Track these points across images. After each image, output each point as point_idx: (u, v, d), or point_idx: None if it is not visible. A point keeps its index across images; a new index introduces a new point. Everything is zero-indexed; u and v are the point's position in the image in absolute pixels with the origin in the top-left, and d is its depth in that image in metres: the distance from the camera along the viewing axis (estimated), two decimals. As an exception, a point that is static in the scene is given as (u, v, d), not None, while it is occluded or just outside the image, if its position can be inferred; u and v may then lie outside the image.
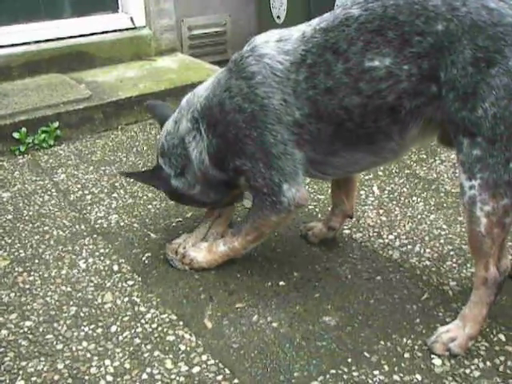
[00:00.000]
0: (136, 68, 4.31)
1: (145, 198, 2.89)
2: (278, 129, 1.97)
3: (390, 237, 2.60)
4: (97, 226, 2.64)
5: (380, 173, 3.18)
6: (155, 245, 2.50)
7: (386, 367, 1.86)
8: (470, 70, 1.70)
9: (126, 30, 4.46)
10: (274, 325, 2.04)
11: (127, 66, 4.34)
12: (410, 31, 1.76)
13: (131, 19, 4.47)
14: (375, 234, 2.62)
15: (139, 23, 4.50)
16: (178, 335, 1.99)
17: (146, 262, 2.39)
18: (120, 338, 1.97)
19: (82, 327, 2.02)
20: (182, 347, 1.94)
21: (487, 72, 1.67)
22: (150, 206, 2.81)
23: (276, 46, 1.98)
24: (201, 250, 2.29)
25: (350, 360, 1.89)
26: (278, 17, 4.61)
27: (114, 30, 4.39)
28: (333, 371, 1.84)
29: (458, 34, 1.70)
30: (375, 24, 1.81)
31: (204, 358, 1.89)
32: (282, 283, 2.27)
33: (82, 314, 2.08)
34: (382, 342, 1.97)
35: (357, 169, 2.23)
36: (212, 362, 1.88)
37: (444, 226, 2.67)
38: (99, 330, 2.01)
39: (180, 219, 2.69)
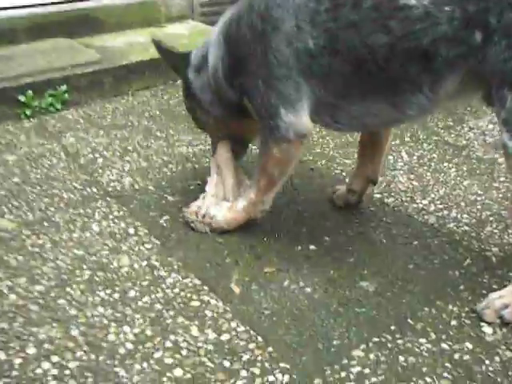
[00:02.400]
0: (146, 34, 4.09)
1: (160, 161, 2.71)
2: (285, 51, 1.84)
3: (424, 202, 2.43)
4: (109, 188, 2.46)
5: (407, 139, 3.00)
6: (173, 207, 2.32)
7: (433, 335, 1.70)
8: None
9: (135, -6, 4.25)
10: (308, 290, 1.88)
11: (137, 32, 4.13)
12: None
13: (140, -17, 4.26)
14: (408, 198, 2.46)
15: (149, -12, 4.29)
16: (204, 301, 1.82)
17: (164, 225, 2.21)
18: (139, 303, 1.80)
19: (97, 292, 1.84)
20: (209, 313, 1.77)
21: None
22: (165, 169, 2.63)
23: None
24: (222, 209, 2.14)
25: (392, 327, 1.73)
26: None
27: (124, -5, 4.19)
28: (375, 339, 1.68)
29: None
30: None
31: (233, 324, 1.72)
32: (312, 247, 2.10)
33: (96, 279, 1.91)
34: (426, 309, 1.80)
35: (375, 123, 2.01)
36: (242, 328, 1.71)
37: (479, 192, 2.50)
38: (116, 295, 1.83)
39: (199, 182, 2.50)
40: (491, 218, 2.31)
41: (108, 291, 1.85)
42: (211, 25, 4.47)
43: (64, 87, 3.26)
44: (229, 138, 2.23)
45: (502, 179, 2.60)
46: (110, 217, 2.25)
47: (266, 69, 1.89)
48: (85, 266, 1.96)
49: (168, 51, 2.31)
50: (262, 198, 2.08)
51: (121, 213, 2.28)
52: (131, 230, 2.17)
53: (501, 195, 2.46)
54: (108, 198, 2.39)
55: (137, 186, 2.48)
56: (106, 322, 1.73)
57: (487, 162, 2.76)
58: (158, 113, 3.28)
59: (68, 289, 1.86)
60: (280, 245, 2.11)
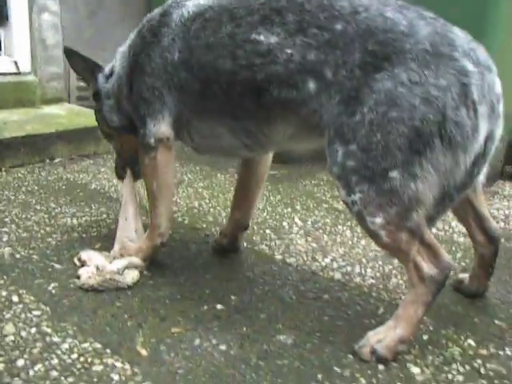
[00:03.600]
0: (21, 113, 3.90)
1: (42, 231, 2.47)
2: (158, 62, 1.95)
3: (326, 260, 2.39)
4: (-15, 259, 2.18)
5: (298, 207, 3.00)
6: (62, 275, 2.08)
7: (363, 380, 1.59)
8: (357, 73, 1.60)
9: (9, 74, 4.06)
10: (222, 347, 1.71)
11: (10, 111, 3.92)
12: (310, 22, 1.67)
13: (15, 63, 4.09)
14: (310, 258, 2.40)
15: (24, 69, 4.13)
16: (108, 364, 1.58)
17: (53, 292, 1.97)
18: (31, 372, 1.53)
19: (-23, 364, 1.56)
20: (115, 377, 1.53)
21: (372, 76, 1.57)
22: (49, 239, 2.39)
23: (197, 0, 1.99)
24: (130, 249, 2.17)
25: (319, 376, 1.59)
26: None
27: (-4, 73, 3.99)
28: (303, 389, 1.53)
29: (353, 36, 1.62)
30: (280, 4, 1.75)
31: (145, 386, 1.51)
32: (220, 307, 1.95)
33: (-25, 350, 1.62)
34: (351, 356, 1.70)
35: (218, 148, 2.10)
36: (155, 390, 1.50)
37: (378, 249, 2.49)
38: (0, 366, 1.55)
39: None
40: (394, 272, 2.30)
41: (-10, 362, 1.57)
42: (88, 108, 4.38)
43: None
44: (131, 157, 2.29)
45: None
46: (-12, 286, 1.97)
47: (141, 77, 1.99)
48: (-41, 338, 1.67)
49: (81, 56, 2.26)
50: (157, 220, 2.10)
51: (1, 281, 2.00)
52: (15, 298, 1.90)
53: (398, 252, 2.47)
54: (-16, 268, 2.10)
55: (18, 256, 2.22)
56: (-12, 397, 1.44)
57: (378, 225, 2.80)
58: (36, 188, 3.05)
59: None
60: (184, 306, 1.94)
